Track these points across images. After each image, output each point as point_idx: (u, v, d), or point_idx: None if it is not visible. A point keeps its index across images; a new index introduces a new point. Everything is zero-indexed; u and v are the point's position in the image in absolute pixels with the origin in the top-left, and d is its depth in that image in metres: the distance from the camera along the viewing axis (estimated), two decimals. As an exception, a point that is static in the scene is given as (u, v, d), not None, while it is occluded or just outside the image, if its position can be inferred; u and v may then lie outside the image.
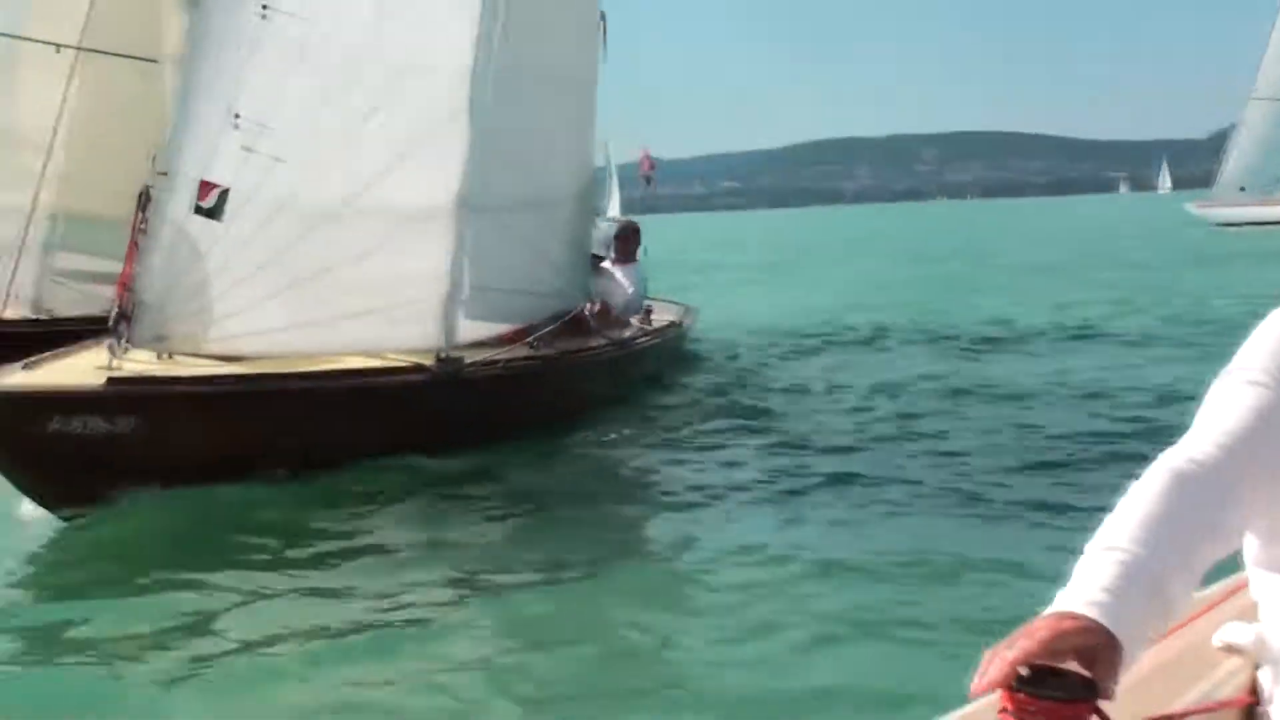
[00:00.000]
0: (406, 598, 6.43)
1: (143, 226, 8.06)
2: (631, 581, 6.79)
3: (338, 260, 8.79)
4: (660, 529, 8.07)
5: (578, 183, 11.60)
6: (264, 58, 8.35)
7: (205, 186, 8.14)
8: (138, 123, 13.18)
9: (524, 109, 10.34)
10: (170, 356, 8.42)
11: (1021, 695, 1.47)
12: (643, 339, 13.23)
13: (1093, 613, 1.55)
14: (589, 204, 11.96)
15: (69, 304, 15.91)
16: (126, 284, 7.97)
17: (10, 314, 15.21)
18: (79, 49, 15.74)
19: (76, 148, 16.10)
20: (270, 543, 7.43)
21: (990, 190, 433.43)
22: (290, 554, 7.22)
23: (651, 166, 19.52)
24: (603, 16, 15.79)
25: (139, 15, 15.69)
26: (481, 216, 9.64)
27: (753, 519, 7.81)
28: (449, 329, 9.32)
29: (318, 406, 8.54)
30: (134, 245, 8.04)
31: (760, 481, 8.81)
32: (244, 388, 8.24)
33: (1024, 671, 1.47)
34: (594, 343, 11.65)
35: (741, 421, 11.23)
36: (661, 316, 14.59)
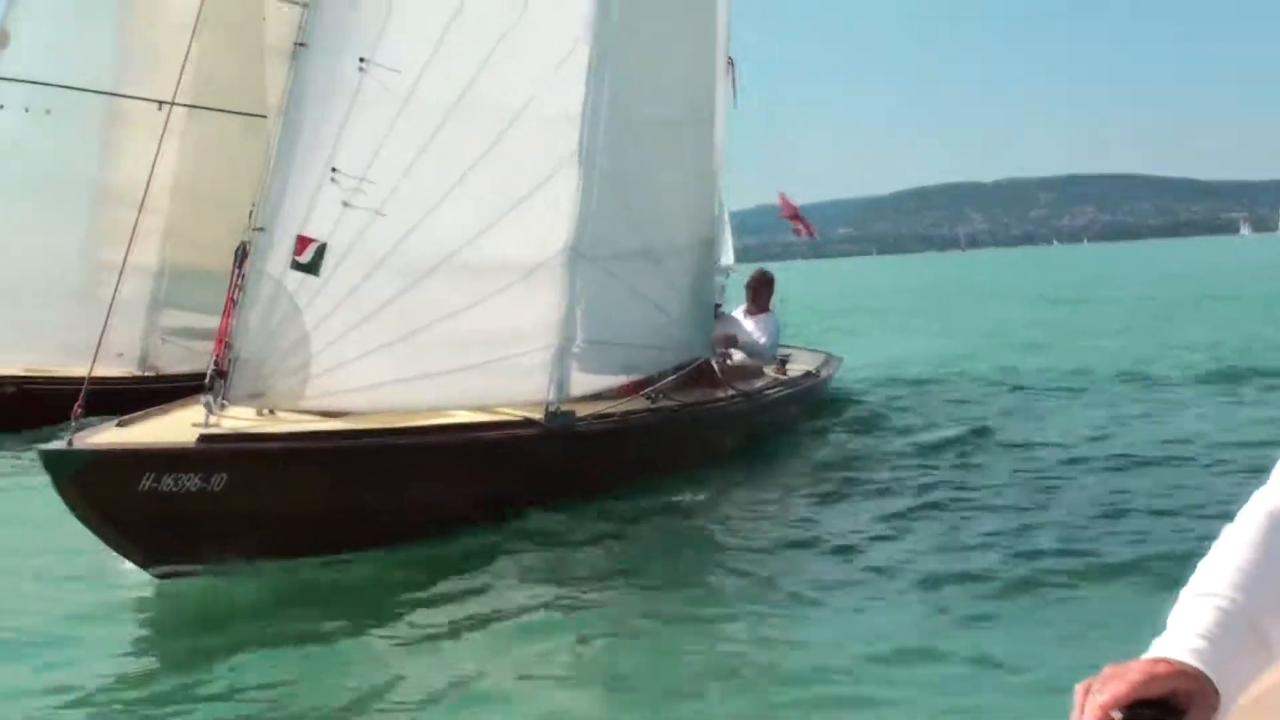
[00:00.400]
0: (518, 654, 6.48)
1: (240, 282, 8.17)
2: (750, 640, 6.73)
3: (442, 314, 8.79)
4: (780, 586, 7.85)
5: (699, 231, 11.50)
6: (362, 111, 8.41)
7: (302, 241, 8.18)
8: (243, 177, 13.36)
9: (636, 156, 10.32)
10: (272, 413, 8.44)
11: None
12: (774, 389, 13.17)
13: (1189, 659, 1.52)
14: (711, 253, 11.87)
15: (175, 361, 16.26)
16: (223, 340, 8.12)
17: (117, 371, 15.58)
18: (187, 106, 16.17)
19: (181, 203, 16.53)
20: (377, 602, 7.46)
21: (1105, 234, 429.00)
22: (399, 614, 7.20)
23: (796, 214, 19.32)
24: (731, 62, 15.87)
25: (243, 70, 16.05)
26: (593, 267, 9.63)
27: (880, 584, 7.58)
28: (560, 382, 9.28)
29: (421, 462, 8.50)
30: (231, 301, 8.17)
31: (889, 537, 8.68)
32: (344, 444, 8.22)
33: (1117, 716, 1.44)
34: (720, 394, 11.59)
35: (874, 474, 11.14)
36: (800, 365, 14.63)
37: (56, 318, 15.65)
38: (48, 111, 16.54)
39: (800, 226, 18.90)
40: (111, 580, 7.87)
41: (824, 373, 15.28)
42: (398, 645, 6.73)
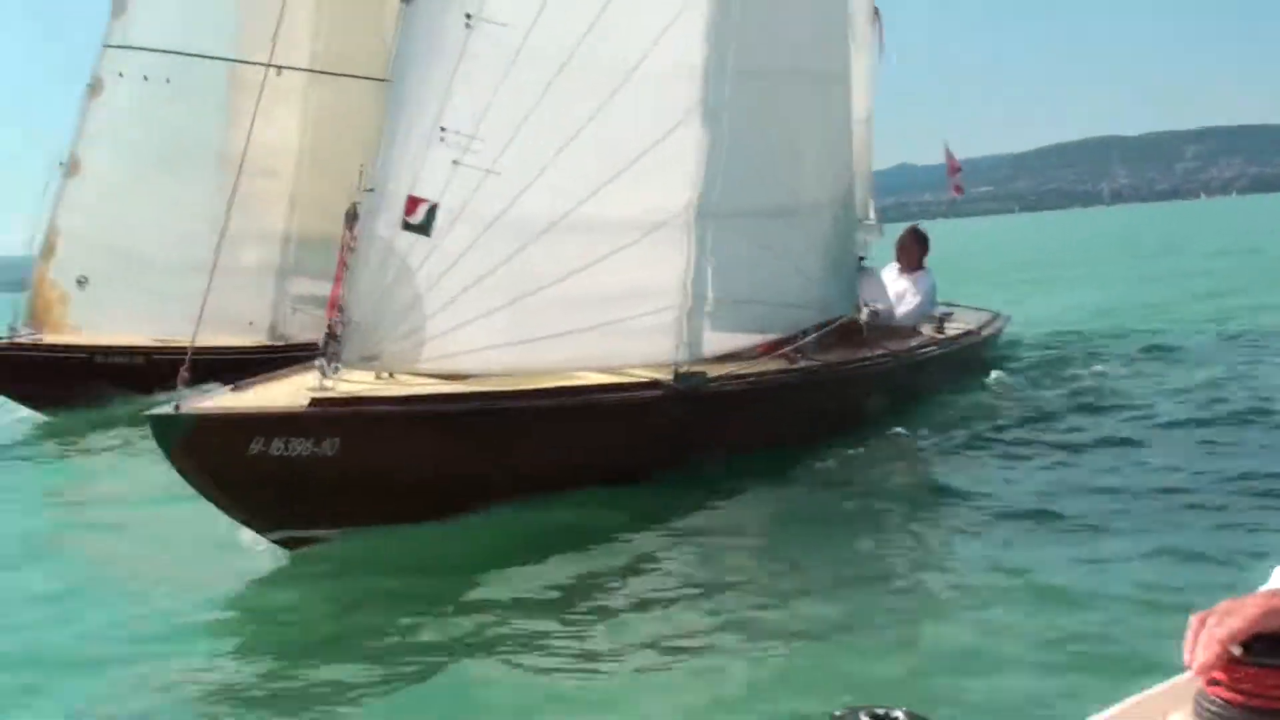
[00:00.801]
0: (653, 630, 6.36)
1: (351, 244, 8.29)
2: (894, 614, 6.49)
3: (560, 273, 8.73)
4: (918, 553, 7.82)
5: (835, 187, 11.30)
6: (471, 68, 8.33)
7: (412, 202, 8.16)
8: (368, 142, 13.62)
9: (766, 110, 10.14)
10: (391, 376, 8.46)
11: (1234, 661, 1.48)
12: (927, 348, 13.09)
13: None
14: (850, 209, 11.65)
15: (305, 329, 16.62)
16: (335, 303, 8.26)
17: (248, 341, 16.01)
18: (304, 70, 16.48)
19: (306, 170, 16.88)
20: (496, 571, 7.48)
21: (1254, 186, 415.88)
22: (524, 587, 7.21)
23: (958, 168, 19.32)
24: (877, 13, 15.71)
25: (365, 34, 16.33)
26: (722, 224, 9.51)
27: (1029, 546, 7.40)
28: (690, 342, 9.22)
29: (539, 425, 8.50)
30: (343, 264, 8.31)
31: (1041, 508, 8.33)
32: (458, 406, 8.22)
33: (1236, 651, 1.47)
34: (866, 353, 11.50)
35: (1032, 434, 10.96)
36: (961, 324, 14.56)
37: (185, 288, 16.08)
38: (167, 80, 16.96)
39: (958, 183, 18.92)
40: (236, 546, 8.01)
41: (986, 331, 15.08)
42: (515, 616, 6.66)
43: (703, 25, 9.31)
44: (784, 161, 10.51)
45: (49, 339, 16.98)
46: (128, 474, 11.71)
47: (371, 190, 8.30)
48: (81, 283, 17.10)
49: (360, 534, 7.95)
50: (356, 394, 7.99)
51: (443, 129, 8.27)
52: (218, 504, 7.76)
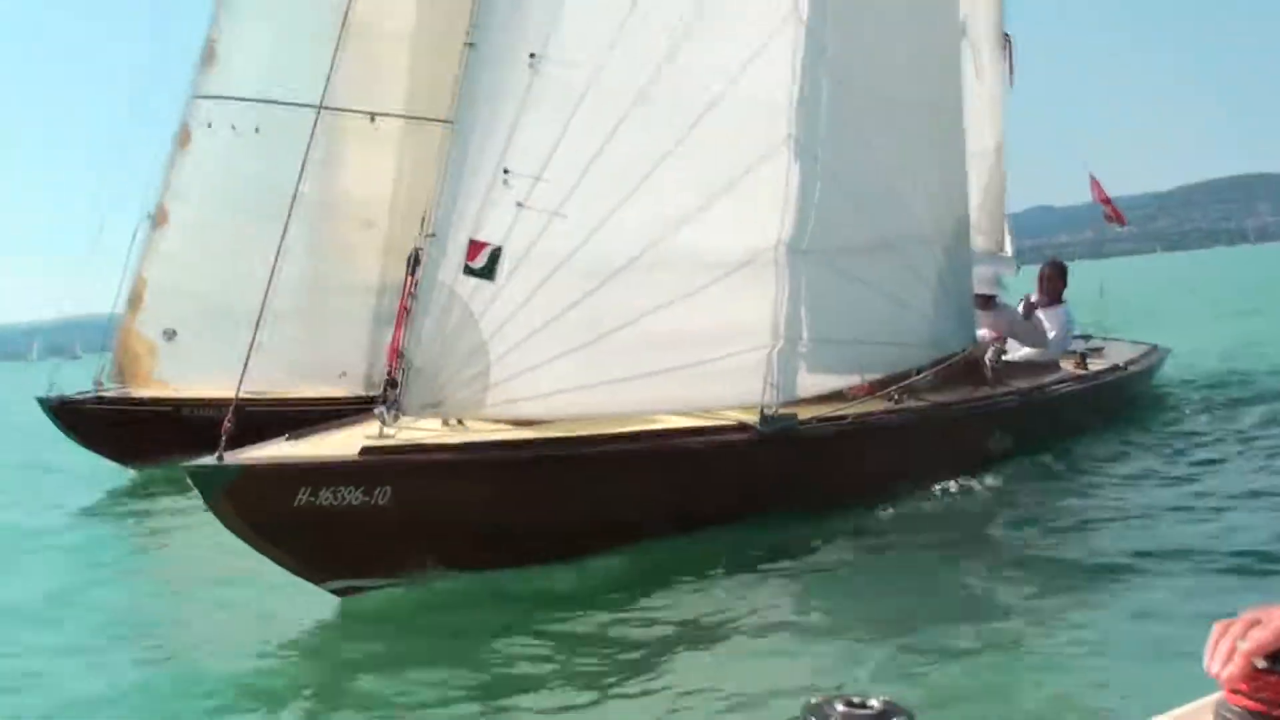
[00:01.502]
0: (727, 687, 6.29)
1: (413, 290, 8.46)
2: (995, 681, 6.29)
3: (635, 315, 8.83)
4: (1029, 613, 7.47)
5: (947, 219, 11.24)
6: (535, 109, 8.52)
7: (475, 246, 8.36)
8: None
9: (865, 142, 10.15)
10: (460, 423, 8.66)
11: (1257, 671, 1.54)
12: (1061, 385, 13.03)
13: None
14: (965, 242, 11.60)
15: (403, 379, 17.06)
16: (397, 349, 8.46)
17: (341, 392, 16.35)
18: (400, 117, 16.89)
19: (400, 217, 17.24)
20: (568, 625, 7.51)
21: None
22: (588, 637, 7.23)
23: (1106, 199, 19.26)
24: (1008, 39, 15.74)
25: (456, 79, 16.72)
26: (816, 261, 9.55)
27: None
28: (781, 384, 9.27)
29: (606, 472, 8.55)
30: (404, 310, 8.51)
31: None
32: (514, 454, 8.32)
33: (1261, 664, 1.53)
34: (988, 392, 11.49)
35: (1158, 481, 10.83)
36: (1108, 359, 14.63)
37: (283, 339, 16.51)
38: (256, 130, 17.46)
39: (1111, 212, 18.87)
40: (300, 595, 8.23)
41: (1136, 367, 14.99)
42: (583, 673, 6.71)
43: (791, 55, 9.41)
44: (885, 195, 10.47)
45: (135, 393, 17.47)
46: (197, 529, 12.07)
47: (433, 235, 8.47)
48: (169, 335, 17.59)
49: (414, 583, 8.12)
50: (410, 442, 8.15)
51: (506, 171, 8.48)
52: (266, 554, 7.96)
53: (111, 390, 17.58)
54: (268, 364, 16.22)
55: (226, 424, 7.83)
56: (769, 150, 9.32)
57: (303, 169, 10.06)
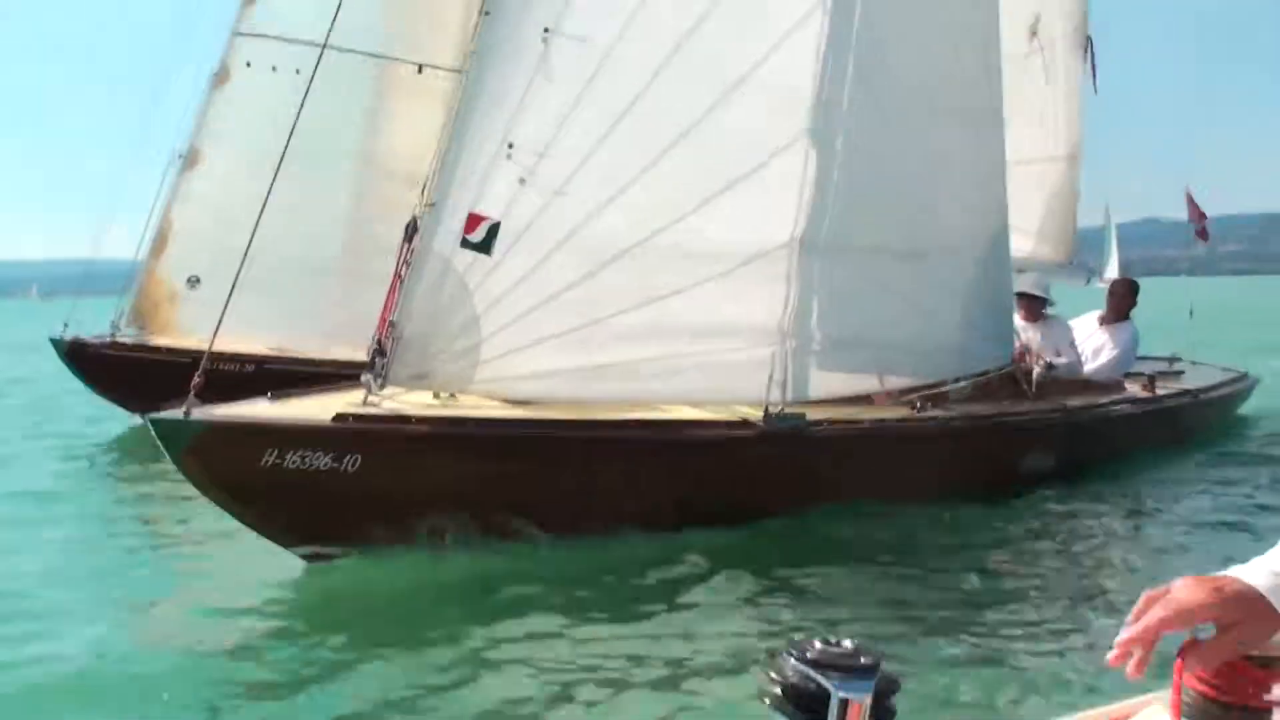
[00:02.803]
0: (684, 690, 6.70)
1: (407, 258, 9.07)
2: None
3: (636, 301, 9.44)
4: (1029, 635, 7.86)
5: (981, 230, 11.66)
6: (545, 83, 9.16)
7: (473, 219, 8.99)
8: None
9: (894, 143, 10.61)
10: (452, 397, 9.27)
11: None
12: (1115, 407, 13.50)
13: (1251, 580, 1.91)
14: (1000, 257, 12.04)
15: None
16: (388, 318, 9.13)
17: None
18: (450, 70, 17.62)
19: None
20: (519, 601, 8.06)
21: None
22: (547, 615, 7.81)
23: (1202, 215, 19.80)
24: (1090, 43, 16.26)
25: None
26: (834, 260, 10.09)
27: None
28: (790, 382, 9.86)
29: (583, 457, 9.14)
30: (397, 278, 9.20)
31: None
32: (489, 432, 8.94)
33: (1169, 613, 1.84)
34: (1028, 407, 11.97)
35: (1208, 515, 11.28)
36: (1183, 383, 15.23)
37: (317, 297, 17.32)
38: (296, 71, 18.19)
39: (1200, 231, 19.35)
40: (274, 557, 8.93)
41: (1212, 394, 15.52)
42: (536, 654, 7.21)
43: (816, 46, 10.00)
44: (912, 201, 10.94)
45: (154, 340, 18.35)
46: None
47: (432, 205, 9.15)
48: (193, 282, 18.41)
49: (379, 553, 8.77)
50: (386, 412, 8.81)
51: (510, 146, 9.16)
52: (232, 514, 8.70)
53: (129, 336, 18.38)
54: (305, 323, 17.15)
55: (197, 378, 8.45)
56: (788, 141, 9.91)
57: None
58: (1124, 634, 1.90)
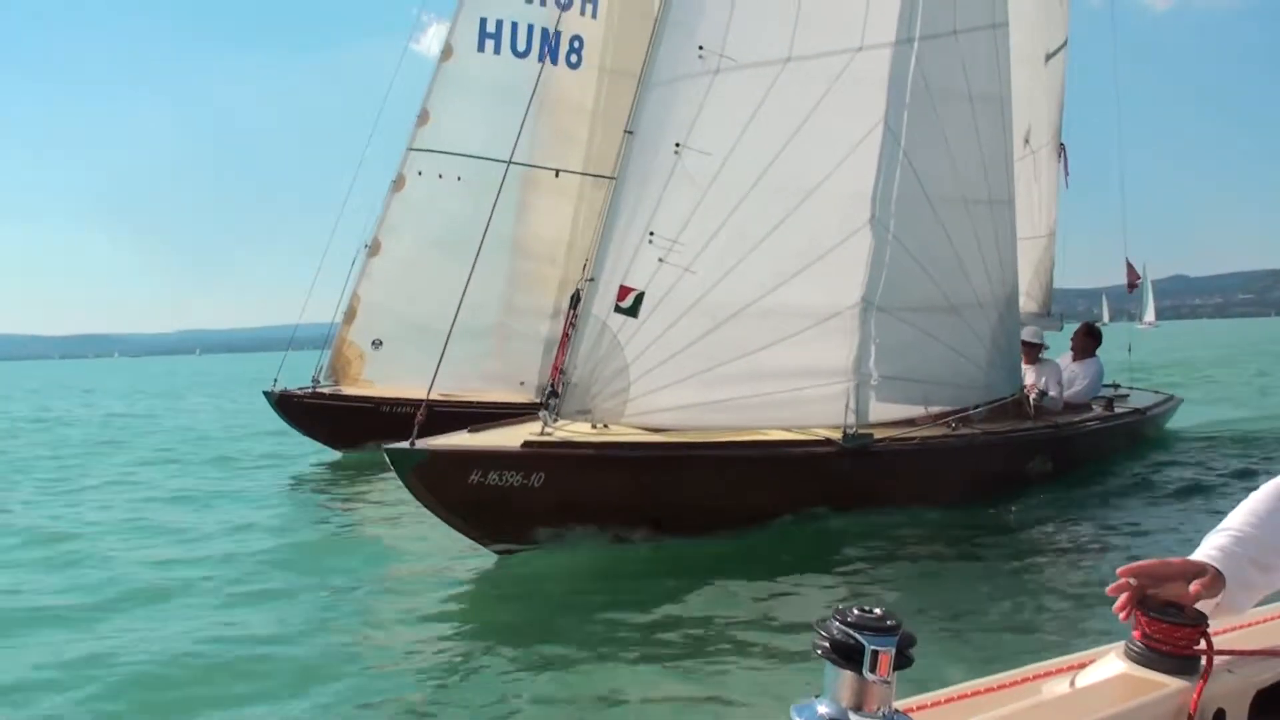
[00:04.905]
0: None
1: (573, 321, 10.02)
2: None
3: (740, 352, 10.28)
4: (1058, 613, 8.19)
5: (1001, 291, 12.47)
6: (676, 187, 10.07)
7: (624, 290, 9.91)
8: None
9: (932, 227, 11.46)
10: (606, 426, 10.07)
11: (1149, 618, 2.06)
12: (1088, 423, 14.46)
13: (1202, 559, 2.09)
14: (1013, 309, 12.88)
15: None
16: (558, 367, 10.07)
17: (520, 398, 18.18)
18: (578, 174, 18.77)
19: (576, 257, 19.15)
20: (671, 584, 8.69)
21: None
22: (685, 600, 8.32)
23: (1135, 276, 21.30)
24: (1063, 148, 17.46)
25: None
26: (889, 315, 10.97)
27: None
28: (858, 410, 10.68)
29: (709, 469, 10.01)
30: (565, 336, 10.17)
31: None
32: (642, 453, 9.78)
33: (1133, 582, 2.03)
34: (1026, 425, 12.84)
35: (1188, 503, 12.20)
36: (1131, 404, 16.18)
37: (476, 352, 18.40)
38: (458, 178, 19.46)
39: (1131, 285, 20.97)
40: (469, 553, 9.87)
41: (1154, 410, 16.54)
42: (670, 628, 7.70)
43: (876, 154, 10.90)
44: (949, 268, 11.79)
45: (346, 390, 19.55)
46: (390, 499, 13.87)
47: (592, 280, 10.10)
48: (376, 345, 19.68)
49: (551, 548, 9.71)
50: (561, 439, 9.69)
51: (651, 233, 10.09)
52: (445, 521, 9.61)
53: (326, 387, 19.59)
54: (465, 372, 18.31)
55: (420, 416, 9.40)
56: (855, 229, 10.81)
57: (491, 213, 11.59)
58: (1114, 586, 2.09)
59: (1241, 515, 2.21)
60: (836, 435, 10.60)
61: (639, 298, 10.10)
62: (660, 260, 10.14)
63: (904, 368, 11.23)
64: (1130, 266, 20.38)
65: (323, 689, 6.69)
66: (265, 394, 19.59)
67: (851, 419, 10.67)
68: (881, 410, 11.04)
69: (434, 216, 19.39)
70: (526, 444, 9.45)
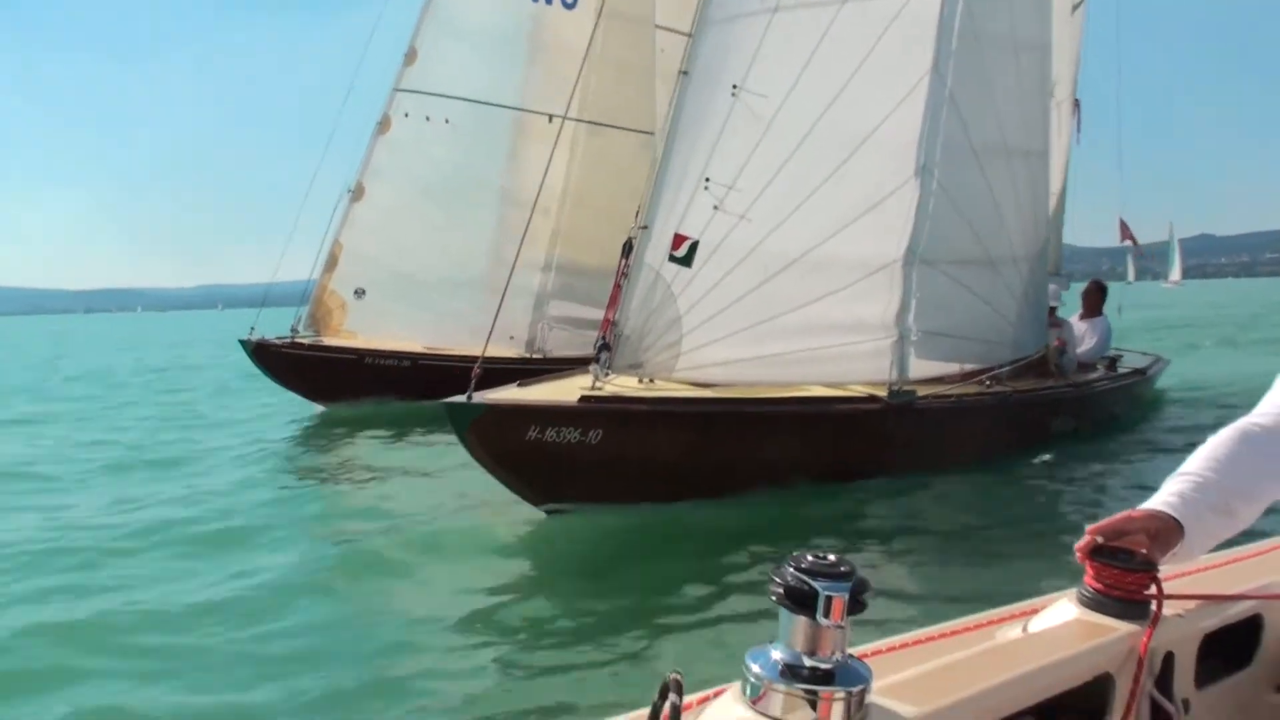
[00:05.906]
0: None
1: (625, 271, 9.61)
2: None
3: (796, 304, 9.99)
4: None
5: (1032, 246, 12.32)
6: (734, 130, 9.70)
7: (678, 238, 9.54)
8: (628, 186, 14.84)
9: (973, 177, 11.22)
10: (651, 381, 9.73)
11: (1099, 563, 2.12)
12: (1103, 382, 14.38)
13: (1160, 508, 2.11)
14: (1043, 264, 12.76)
15: (559, 345, 18.32)
16: (609, 319, 9.71)
17: (510, 352, 17.64)
18: (575, 120, 18.14)
19: (570, 208, 18.58)
20: (709, 544, 8.47)
21: None
22: (738, 560, 8.07)
23: (1127, 237, 20.89)
24: (1077, 103, 17.08)
25: (631, 93, 17.99)
26: (931, 269, 10.70)
27: None
28: (900, 365, 10.38)
29: (768, 427, 9.69)
30: (617, 287, 9.69)
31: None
32: (702, 409, 9.47)
33: (1101, 540, 2.08)
34: (1050, 383, 12.69)
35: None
36: (1129, 364, 16.00)
37: (464, 305, 17.85)
38: (446, 121, 18.84)
39: (1131, 242, 20.58)
40: (506, 511, 9.43)
41: (1150, 370, 16.48)
42: (728, 588, 7.50)
43: (924, 104, 10.55)
44: (988, 221, 11.58)
45: (326, 341, 18.90)
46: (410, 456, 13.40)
47: (645, 227, 9.69)
48: (359, 294, 19.03)
49: (598, 508, 9.29)
50: (619, 394, 9.33)
51: (707, 180, 9.71)
52: (498, 478, 9.20)
53: (306, 337, 18.92)
54: (454, 327, 17.70)
55: (476, 370, 9.00)
56: (903, 180, 10.48)
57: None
58: (1080, 543, 2.12)
59: (1200, 460, 2.23)
60: (878, 392, 10.32)
61: (694, 246, 9.75)
62: (715, 207, 9.79)
63: (942, 323, 11.04)
64: (1124, 225, 20.01)
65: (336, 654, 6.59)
66: (241, 342, 18.85)
67: (895, 375, 10.40)
68: (920, 367, 10.82)
69: (421, 161, 18.80)
70: (584, 399, 9.11)
